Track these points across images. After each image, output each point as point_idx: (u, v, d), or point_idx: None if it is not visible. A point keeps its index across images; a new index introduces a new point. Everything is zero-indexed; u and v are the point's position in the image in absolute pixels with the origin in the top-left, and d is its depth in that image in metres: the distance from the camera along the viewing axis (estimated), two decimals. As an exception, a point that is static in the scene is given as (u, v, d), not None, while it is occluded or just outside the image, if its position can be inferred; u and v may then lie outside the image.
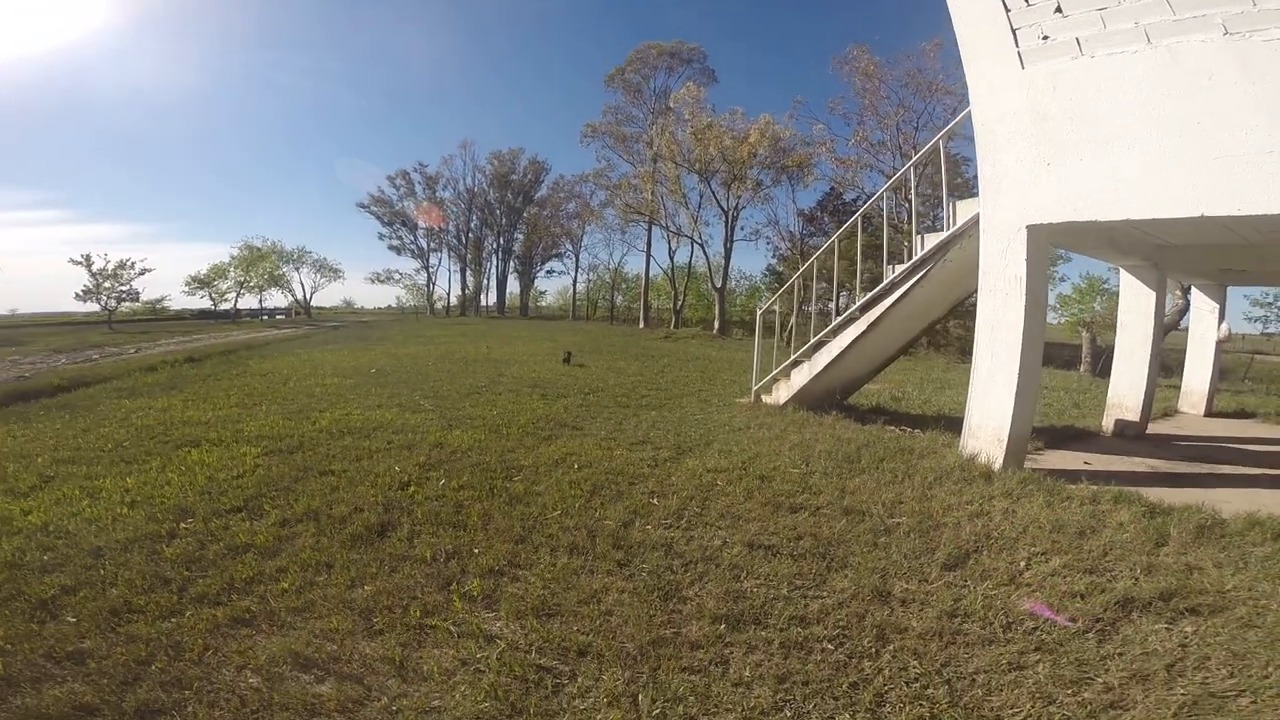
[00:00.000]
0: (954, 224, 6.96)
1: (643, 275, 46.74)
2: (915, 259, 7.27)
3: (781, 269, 38.39)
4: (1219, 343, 11.19)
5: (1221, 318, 11.29)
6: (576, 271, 60.64)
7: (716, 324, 37.32)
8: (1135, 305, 8.57)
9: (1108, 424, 8.59)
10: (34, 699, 2.58)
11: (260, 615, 3.27)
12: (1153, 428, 8.88)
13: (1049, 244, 6.47)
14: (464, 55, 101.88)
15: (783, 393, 8.70)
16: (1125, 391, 8.52)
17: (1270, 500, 5.28)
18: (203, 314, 52.54)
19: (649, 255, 45.27)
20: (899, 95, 28.55)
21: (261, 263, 53.94)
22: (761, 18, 75.20)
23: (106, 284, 40.66)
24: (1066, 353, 22.64)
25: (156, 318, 48.69)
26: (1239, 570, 3.81)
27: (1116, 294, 9.80)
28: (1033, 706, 2.54)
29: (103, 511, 4.65)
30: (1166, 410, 10.80)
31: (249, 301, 55.58)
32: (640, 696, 2.63)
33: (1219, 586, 3.57)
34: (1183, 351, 11.83)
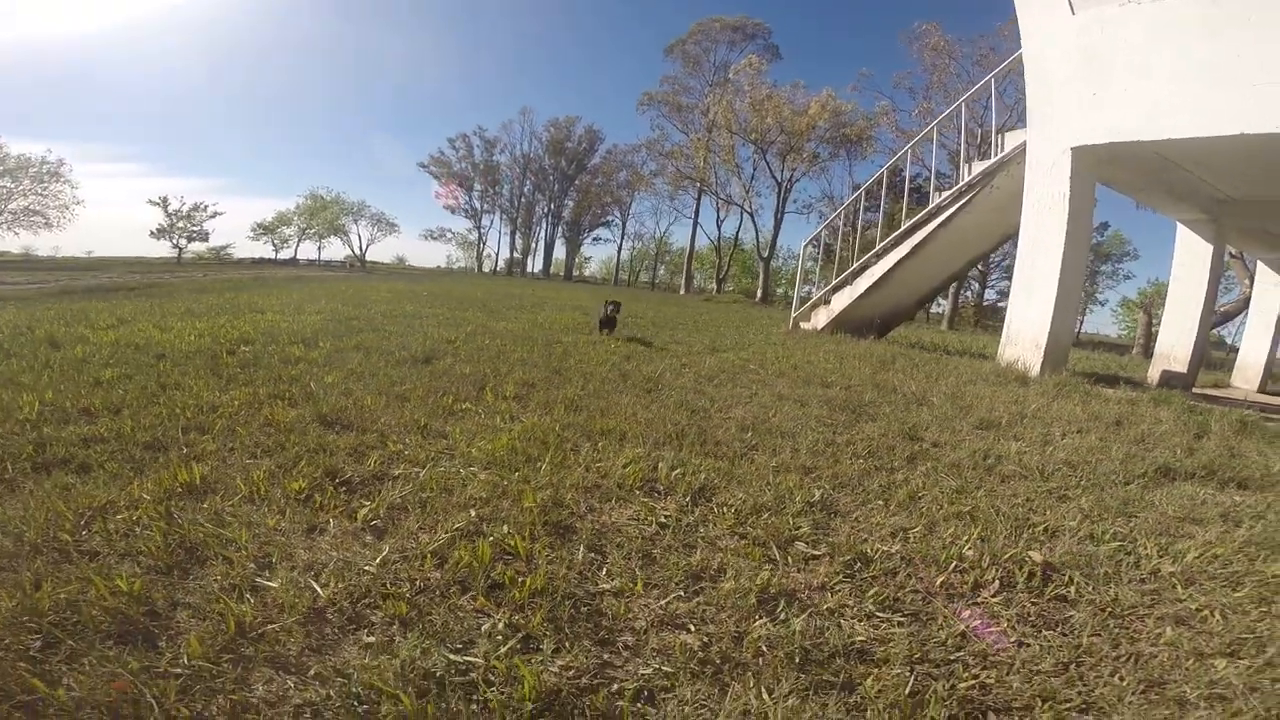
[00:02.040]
0: (1002, 150, 7.02)
1: (686, 247, 46.76)
2: (962, 184, 7.25)
3: (831, 241, 37.79)
4: (1281, 318, 10.70)
5: (1287, 292, 10.78)
6: (622, 239, 61.31)
7: (760, 292, 37.10)
8: (1190, 260, 8.31)
9: (1154, 375, 8.37)
10: (54, 430, 2.74)
11: (300, 397, 3.46)
12: (1201, 391, 8.63)
13: (1096, 177, 6.50)
14: (526, 28, 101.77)
15: (821, 318, 8.77)
16: (1174, 342, 8.30)
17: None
18: (263, 260, 54.78)
19: (696, 221, 45.18)
20: (970, 73, 27.68)
21: (324, 212, 55.88)
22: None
23: (180, 224, 43.78)
24: (1122, 349, 21.85)
25: (221, 261, 51.14)
26: None
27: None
28: (1078, 524, 2.46)
29: (172, 338, 5.10)
30: (1218, 382, 10.41)
31: (308, 251, 57.76)
32: (660, 465, 2.76)
33: (1265, 469, 3.47)
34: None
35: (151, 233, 44.38)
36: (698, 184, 40.77)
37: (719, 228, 43.93)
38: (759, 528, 2.22)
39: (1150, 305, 21.48)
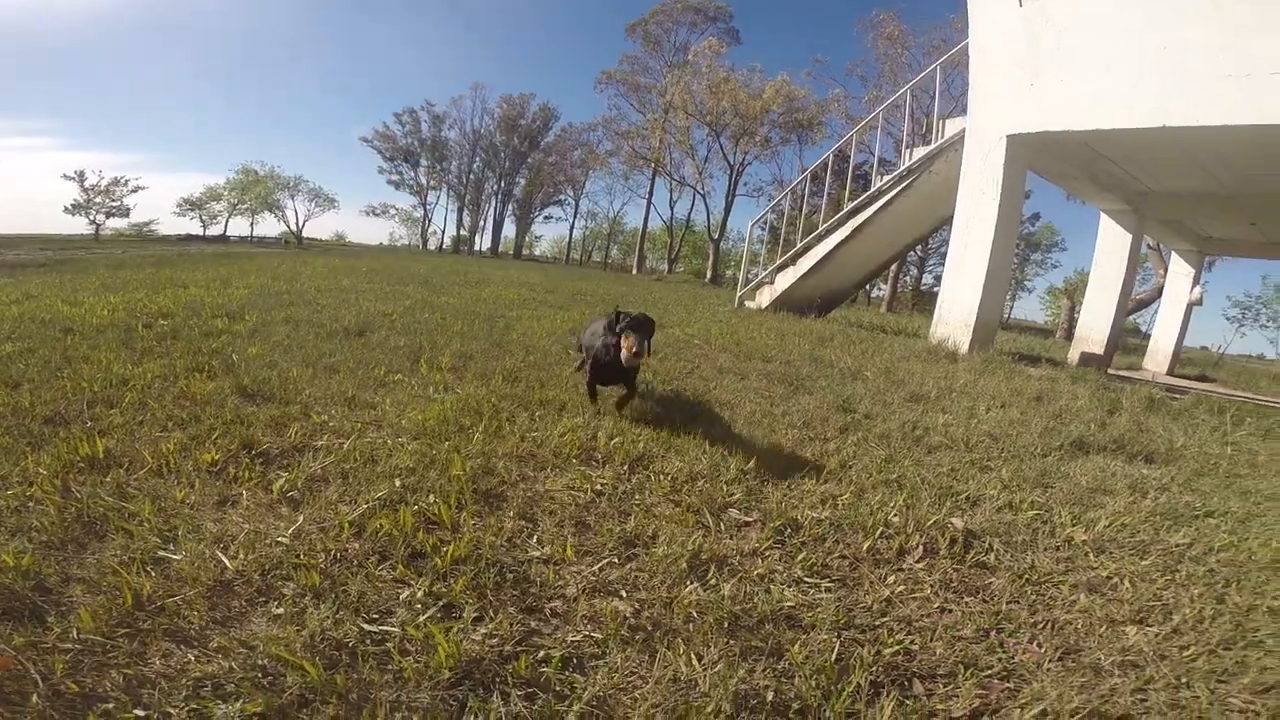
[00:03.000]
0: (942, 137, 7.22)
1: (639, 228, 46.67)
2: (902, 168, 7.43)
3: (777, 224, 38.44)
4: (1190, 305, 11.44)
5: (1195, 283, 11.52)
6: (575, 217, 60.61)
7: (709, 273, 37.47)
8: (1111, 248, 8.78)
9: (1074, 356, 8.84)
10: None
11: (220, 369, 3.27)
12: (1116, 373, 9.15)
13: (1029, 165, 6.80)
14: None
15: (765, 297, 8.90)
16: (1093, 325, 8.78)
17: (1215, 400, 5.54)
18: (190, 237, 51.77)
19: (649, 202, 45.11)
20: (921, 64, 28.30)
21: (257, 187, 53.08)
22: (791, -14, 72.83)
23: (98, 199, 41.16)
24: (1047, 334, 23.02)
25: (143, 237, 48.17)
26: (1188, 435, 4.00)
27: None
28: (999, 493, 2.55)
29: (83, 313, 4.73)
30: (1131, 365, 11.10)
31: (240, 227, 54.85)
32: (599, 434, 2.74)
33: (1169, 443, 3.73)
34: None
35: (66, 208, 41.46)
36: (653, 164, 40.64)
37: (671, 209, 44.11)
38: (694, 495, 2.22)
39: (1074, 292, 22.66)
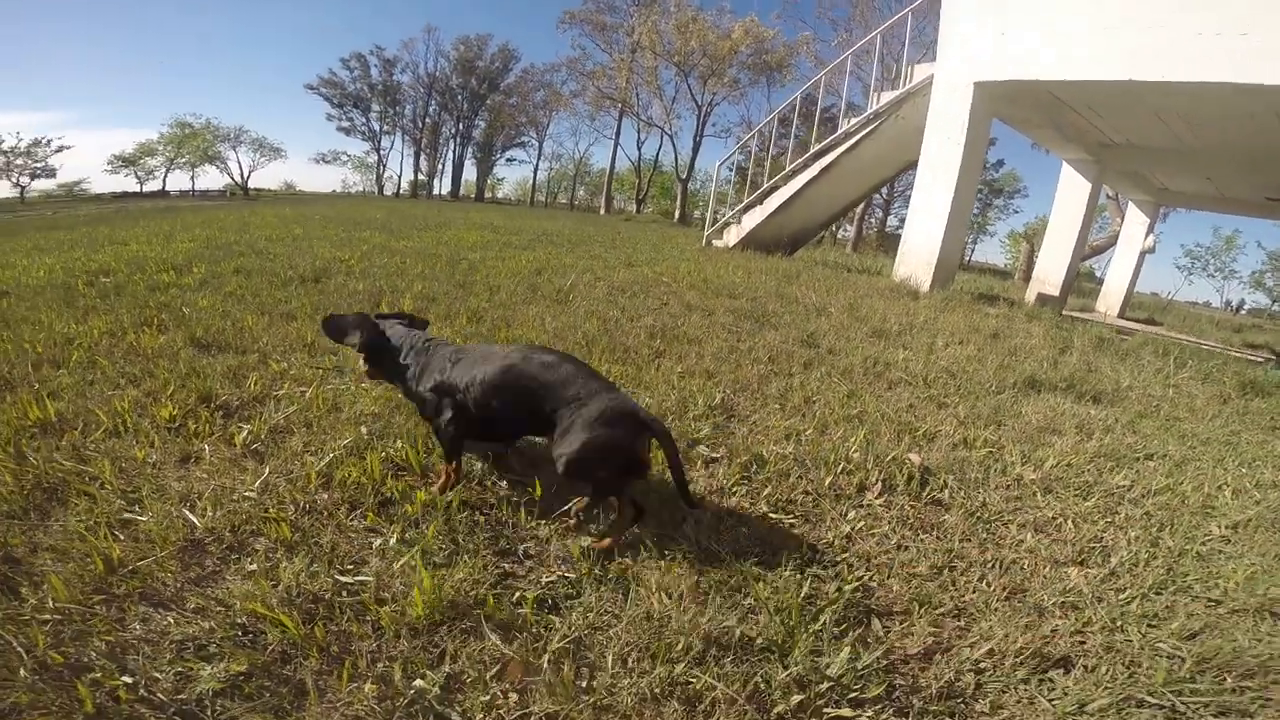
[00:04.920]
0: (910, 82, 7.15)
1: (606, 168, 45.67)
2: (870, 111, 7.36)
3: (748, 166, 38.11)
4: (1143, 253, 11.80)
5: (1150, 232, 11.86)
6: (539, 160, 58.94)
7: (678, 214, 37.17)
8: (1070, 195, 8.92)
9: (1030, 297, 9.09)
10: None
11: (170, 323, 3.14)
12: (1069, 314, 9.47)
13: (995, 113, 6.80)
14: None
15: (733, 236, 8.86)
16: (1050, 268, 9.01)
17: (1161, 341, 5.80)
18: (125, 195, 48.56)
19: (616, 143, 44.04)
20: (892, 8, 27.63)
21: (194, 140, 49.94)
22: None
23: (19, 161, 38.76)
24: (1007, 276, 23.52)
25: (74, 197, 45.20)
26: (1134, 375, 4.17)
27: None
28: (954, 430, 2.67)
29: (17, 274, 4.46)
30: (1084, 307, 11.48)
31: (181, 182, 51.78)
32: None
33: (1116, 384, 3.89)
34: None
35: (-15, 172, 38.88)
36: (619, 105, 39.46)
37: (639, 149, 43.23)
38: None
39: (1034, 237, 23.12)
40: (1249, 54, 4.55)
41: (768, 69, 34.66)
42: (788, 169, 8.21)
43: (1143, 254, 11.81)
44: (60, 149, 41.13)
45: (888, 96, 7.33)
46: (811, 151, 7.87)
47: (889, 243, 33.24)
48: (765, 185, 8.56)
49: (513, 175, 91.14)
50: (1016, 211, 45.64)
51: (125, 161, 47.77)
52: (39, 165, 40.69)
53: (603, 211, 42.97)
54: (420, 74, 58.60)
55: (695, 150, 38.75)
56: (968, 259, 36.79)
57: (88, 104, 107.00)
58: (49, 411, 2.07)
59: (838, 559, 1.70)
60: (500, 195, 70.82)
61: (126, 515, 1.59)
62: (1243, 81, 4.63)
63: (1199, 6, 4.78)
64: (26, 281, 4.13)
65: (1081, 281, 15.49)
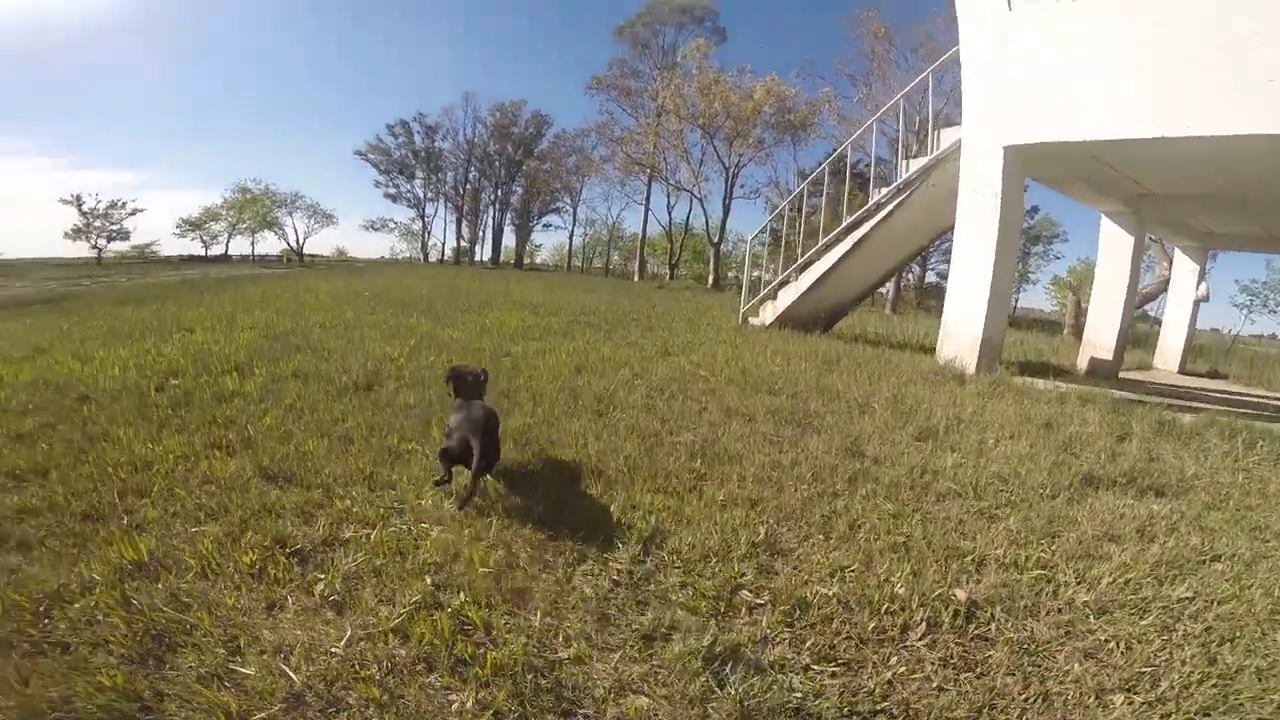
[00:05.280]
0: (938, 148, 7.24)
1: (638, 233, 46.79)
2: (899, 181, 7.47)
3: (781, 229, 38.51)
4: (1197, 301, 11.43)
5: (1201, 279, 11.51)
6: (574, 225, 60.81)
7: (711, 278, 37.54)
8: (1114, 250, 8.79)
9: (1082, 363, 8.87)
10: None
11: (238, 444, 3.33)
12: (1126, 377, 9.15)
13: (1027, 173, 6.81)
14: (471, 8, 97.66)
15: (769, 313, 8.94)
16: (1101, 330, 8.79)
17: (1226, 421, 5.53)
18: (192, 258, 51.93)
19: (647, 208, 45.25)
20: (908, 60, 28.24)
21: (254, 205, 53.28)
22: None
23: (97, 223, 41.23)
24: (1055, 327, 22.98)
25: (145, 260, 48.42)
26: (1199, 462, 3.99)
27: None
28: (1004, 550, 2.56)
29: (94, 370, 4.83)
30: (1141, 364, 11.09)
31: (241, 246, 55.08)
32: (612, 507, 2.79)
33: (1180, 473, 3.72)
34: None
35: (66, 234, 41.61)
36: (648, 170, 40.72)
37: (669, 213, 44.18)
38: (707, 575, 2.28)
39: (1078, 286, 22.63)
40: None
41: (791, 128, 35.37)
42: (820, 243, 8.32)
43: (1197, 303, 11.43)
44: (134, 211, 43.38)
45: (916, 165, 7.44)
46: (843, 225, 7.99)
47: (929, 296, 32.87)
48: (799, 260, 8.67)
49: (550, 240, 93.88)
50: (1058, 257, 44.61)
51: (192, 225, 50.92)
52: (115, 228, 42.97)
53: (636, 278, 43.69)
54: (460, 140, 61.74)
55: (725, 213, 39.53)
56: (1013, 310, 35.93)
57: (157, 164, 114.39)
58: (140, 551, 2.25)
59: (878, 708, 1.71)
60: (539, 260, 72.89)
61: (232, 666, 1.74)
62: (1271, 133, 4.71)
63: (1228, 61, 4.84)
64: (103, 383, 4.45)
65: (1136, 322, 14.94)
